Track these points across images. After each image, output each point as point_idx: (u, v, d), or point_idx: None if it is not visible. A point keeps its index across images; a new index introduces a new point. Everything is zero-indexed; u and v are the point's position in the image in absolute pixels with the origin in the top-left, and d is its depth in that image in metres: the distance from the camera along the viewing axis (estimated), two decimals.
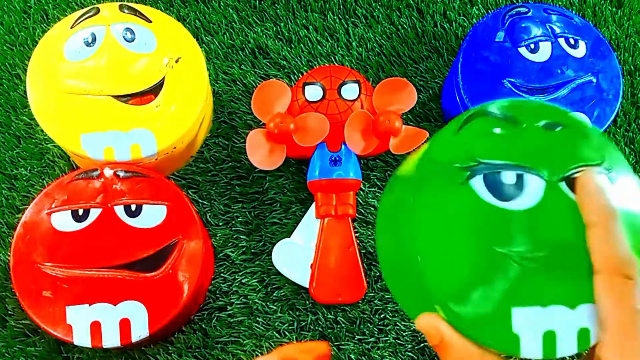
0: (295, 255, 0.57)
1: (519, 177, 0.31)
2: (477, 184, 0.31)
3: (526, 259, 0.30)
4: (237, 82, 0.64)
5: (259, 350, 0.55)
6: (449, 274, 0.30)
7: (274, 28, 0.66)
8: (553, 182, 0.31)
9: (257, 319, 0.56)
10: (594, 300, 0.30)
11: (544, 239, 0.30)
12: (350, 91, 0.59)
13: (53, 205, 0.51)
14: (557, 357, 0.30)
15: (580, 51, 0.58)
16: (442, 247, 0.30)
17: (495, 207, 0.31)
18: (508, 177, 0.31)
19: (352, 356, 0.55)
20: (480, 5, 0.68)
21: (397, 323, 0.56)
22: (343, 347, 0.55)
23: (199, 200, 0.59)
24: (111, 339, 0.48)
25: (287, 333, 0.56)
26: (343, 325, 0.56)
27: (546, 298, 0.30)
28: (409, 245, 0.31)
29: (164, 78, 0.55)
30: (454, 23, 0.67)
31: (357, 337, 0.56)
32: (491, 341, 0.30)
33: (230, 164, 0.61)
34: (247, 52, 0.65)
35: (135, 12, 0.57)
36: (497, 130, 0.32)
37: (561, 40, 0.58)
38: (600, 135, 0.34)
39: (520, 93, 0.56)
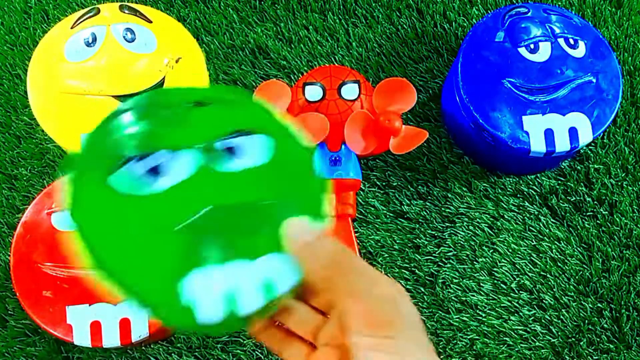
0: None
1: (157, 160, 0.31)
2: (116, 181, 0.30)
3: (192, 227, 0.30)
4: (237, 82, 0.64)
5: (259, 350, 0.55)
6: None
7: (274, 28, 0.66)
8: (205, 151, 0.32)
9: None
10: (274, 250, 0.31)
11: (206, 205, 0.30)
12: (350, 91, 0.59)
13: (53, 205, 0.51)
14: (243, 314, 0.30)
15: (580, 51, 0.58)
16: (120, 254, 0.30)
17: (139, 196, 0.30)
18: (142, 165, 0.31)
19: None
20: (480, 6, 0.68)
21: None
22: None
23: None
24: (111, 339, 0.48)
25: None
26: None
27: (223, 257, 0.30)
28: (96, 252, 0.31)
29: (164, 78, 0.55)
30: (454, 23, 0.67)
31: None
32: (169, 317, 0.30)
33: None
34: (247, 52, 0.65)
35: (135, 12, 0.57)
36: (128, 121, 0.32)
37: (561, 41, 0.58)
38: (252, 104, 0.35)
39: (520, 93, 0.56)
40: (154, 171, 0.31)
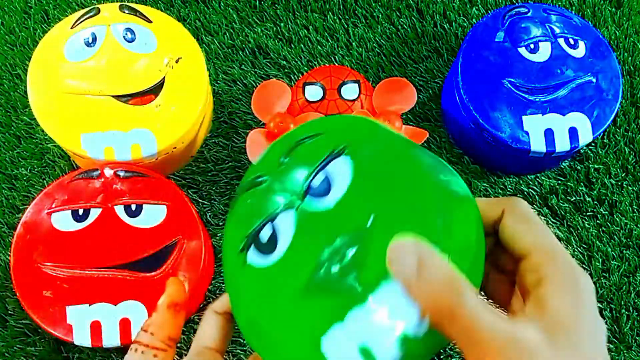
0: None
1: (273, 229, 0.30)
2: (250, 256, 0.30)
3: (315, 283, 0.28)
4: (237, 82, 0.64)
5: None
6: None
7: (274, 28, 0.66)
8: (299, 197, 0.30)
9: None
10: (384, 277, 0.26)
11: (317, 255, 0.28)
12: (350, 91, 0.59)
13: (53, 205, 0.51)
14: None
15: (580, 51, 0.58)
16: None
17: (266, 267, 0.29)
18: (265, 235, 0.30)
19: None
20: (480, 5, 0.68)
21: None
22: None
23: (199, 200, 0.59)
24: (111, 339, 0.48)
25: None
26: None
27: (343, 307, 0.27)
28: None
29: (164, 78, 0.55)
30: (454, 23, 0.67)
31: None
32: None
33: (230, 164, 0.61)
34: (247, 52, 0.65)
35: (135, 12, 0.57)
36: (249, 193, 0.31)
37: (561, 41, 0.58)
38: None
39: (520, 93, 0.56)
40: (272, 238, 0.30)
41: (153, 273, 0.50)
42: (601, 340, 0.23)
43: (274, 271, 0.29)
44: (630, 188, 0.61)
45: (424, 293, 0.23)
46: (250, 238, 0.30)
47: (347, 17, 0.67)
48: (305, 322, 0.28)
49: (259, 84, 0.59)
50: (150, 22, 0.57)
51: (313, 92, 0.59)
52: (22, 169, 0.60)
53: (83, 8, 0.58)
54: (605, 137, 0.63)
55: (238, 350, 0.55)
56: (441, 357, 0.55)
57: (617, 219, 0.60)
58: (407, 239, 0.25)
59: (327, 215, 0.29)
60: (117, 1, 0.61)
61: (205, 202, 0.59)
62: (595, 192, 0.61)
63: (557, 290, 0.23)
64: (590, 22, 0.65)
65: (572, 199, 0.61)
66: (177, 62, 0.56)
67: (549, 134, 0.55)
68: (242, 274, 0.30)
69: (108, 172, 0.52)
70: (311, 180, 0.29)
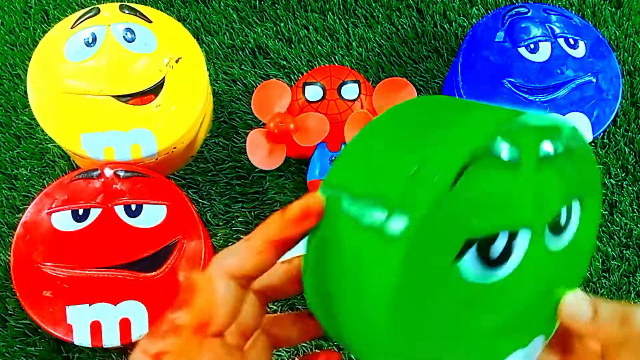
0: (296, 255, 0.57)
1: (509, 242, 0.23)
2: (467, 263, 0.23)
3: (489, 329, 0.25)
4: (237, 82, 0.64)
5: None
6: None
7: (274, 28, 0.66)
8: (538, 233, 0.24)
9: None
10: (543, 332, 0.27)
11: (513, 304, 0.25)
12: (350, 91, 0.59)
13: (53, 205, 0.51)
14: None
15: (580, 51, 0.58)
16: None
17: (478, 285, 0.23)
18: (498, 247, 0.23)
19: (353, 356, 0.55)
20: (480, 5, 0.68)
21: None
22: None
23: (199, 200, 0.59)
24: (111, 339, 0.48)
25: None
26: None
27: (505, 351, 0.26)
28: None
29: (164, 78, 0.55)
30: (454, 23, 0.67)
31: None
32: None
33: (230, 164, 0.61)
34: (247, 52, 0.65)
35: (135, 12, 0.57)
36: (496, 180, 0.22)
37: (561, 41, 0.58)
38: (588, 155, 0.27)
39: (520, 93, 0.56)
40: (502, 254, 0.23)
41: (153, 273, 0.50)
42: None
43: (490, 289, 0.23)
44: (630, 188, 0.61)
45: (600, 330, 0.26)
46: (480, 244, 0.22)
47: (347, 17, 0.67)
48: (481, 350, 0.25)
49: (259, 84, 0.59)
50: (150, 22, 0.57)
51: (313, 92, 0.59)
52: (22, 169, 0.60)
53: (83, 8, 0.58)
54: (605, 137, 0.63)
55: None
56: None
57: (617, 219, 0.60)
58: (577, 292, 0.27)
59: (549, 257, 0.25)
60: (117, 1, 0.61)
61: (205, 202, 0.59)
62: None
63: None
64: (590, 22, 0.65)
65: None
66: (177, 62, 0.56)
67: None
68: (442, 281, 0.22)
69: (108, 172, 0.52)
70: (559, 214, 0.25)
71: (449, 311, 0.23)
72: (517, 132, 0.23)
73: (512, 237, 0.23)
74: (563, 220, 0.25)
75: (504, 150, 0.22)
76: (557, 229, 0.25)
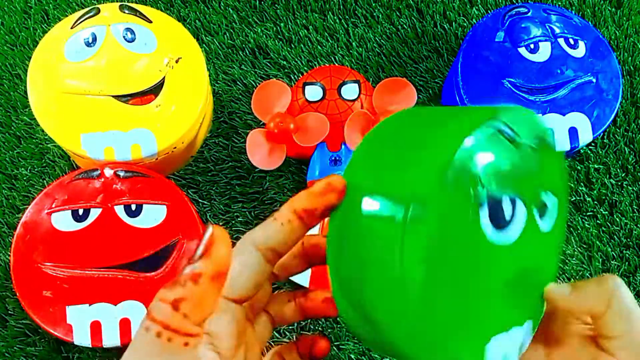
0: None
1: (513, 206, 0.27)
2: (483, 216, 0.25)
3: (498, 291, 0.28)
4: (237, 82, 0.64)
5: None
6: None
7: (274, 28, 0.66)
8: (530, 209, 0.28)
9: None
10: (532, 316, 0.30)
11: (516, 270, 0.28)
12: (350, 91, 0.59)
13: (53, 205, 0.51)
14: None
15: (580, 51, 0.58)
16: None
17: (491, 243, 0.26)
18: (507, 207, 0.26)
19: (352, 356, 0.55)
20: (480, 5, 0.68)
21: None
22: (343, 346, 0.55)
23: (199, 200, 0.59)
24: (111, 339, 0.48)
25: (287, 333, 0.56)
26: (343, 325, 0.56)
27: (507, 323, 0.28)
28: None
29: (164, 78, 0.55)
30: (454, 23, 0.67)
31: None
32: None
33: (230, 164, 0.61)
34: (247, 52, 0.65)
35: (135, 12, 0.57)
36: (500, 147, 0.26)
37: (561, 41, 0.58)
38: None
39: (520, 93, 0.56)
40: (498, 219, 0.26)
41: (153, 273, 0.50)
42: None
43: (499, 250, 0.26)
44: (630, 188, 0.61)
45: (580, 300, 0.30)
46: (490, 202, 0.25)
47: (347, 17, 0.67)
48: (489, 316, 0.27)
49: (259, 84, 0.59)
50: (150, 22, 0.57)
51: (313, 92, 0.59)
52: (22, 169, 0.60)
53: (83, 8, 0.58)
54: (605, 137, 0.63)
55: None
56: None
57: (617, 219, 0.60)
58: (558, 285, 0.31)
59: (539, 237, 0.29)
60: (117, 1, 0.61)
61: (205, 202, 0.59)
62: (595, 192, 0.61)
63: None
64: (590, 22, 0.65)
65: (572, 199, 0.61)
66: (177, 62, 0.56)
67: None
68: (468, 238, 0.25)
69: (108, 172, 0.52)
70: (544, 200, 0.29)
71: (469, 266, 0.25)
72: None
73: (513, 203, 0.27)
74: (548, 204, 0.29)
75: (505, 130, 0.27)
76: (543, 210, 0.29)
